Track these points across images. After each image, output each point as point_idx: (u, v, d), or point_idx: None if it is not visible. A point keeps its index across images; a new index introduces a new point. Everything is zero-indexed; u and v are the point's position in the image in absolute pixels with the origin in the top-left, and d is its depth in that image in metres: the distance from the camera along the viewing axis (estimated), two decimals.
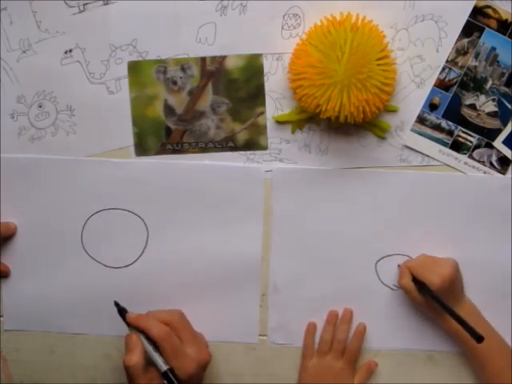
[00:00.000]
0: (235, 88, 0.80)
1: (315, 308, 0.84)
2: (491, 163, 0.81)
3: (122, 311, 0.79)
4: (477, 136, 0.80)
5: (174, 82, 0.80)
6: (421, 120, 0.80)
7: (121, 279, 0.84)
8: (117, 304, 0.80)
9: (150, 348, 0.75)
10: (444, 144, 0.81)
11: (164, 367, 0.73)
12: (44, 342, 0.86)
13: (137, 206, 0.83)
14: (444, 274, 0.77)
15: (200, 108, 0.81)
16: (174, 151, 0.82)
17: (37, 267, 0.84)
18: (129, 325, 0.77)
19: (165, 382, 0.74)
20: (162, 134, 0.82)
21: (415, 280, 0.79)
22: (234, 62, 0.80)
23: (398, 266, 0.83)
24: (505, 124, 0.80)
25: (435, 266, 0.78)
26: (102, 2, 0.79)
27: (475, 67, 0.79)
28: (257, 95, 0.80)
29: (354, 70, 0.72)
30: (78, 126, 0.82)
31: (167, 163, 0.82)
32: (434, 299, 0.76)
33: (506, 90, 0.79)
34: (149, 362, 0.75)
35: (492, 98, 0.79)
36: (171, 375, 0.73)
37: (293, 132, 0.81)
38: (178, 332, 0.76)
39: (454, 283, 0.79)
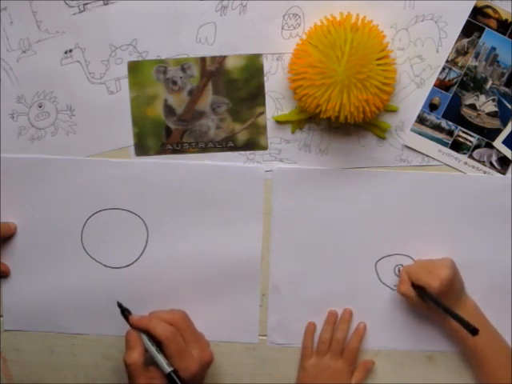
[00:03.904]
0: (235, 88, 0.80)
1: (315, 308, 0.84)
2: (491, 163, 0.81)
3: (125, 312, 0.79)
4: (477, 136, 0.80)
5: (174, 82, 0.80)
6: (421, 120, 0.80)
7: (121, 279, 0.84)
8: (120, 305, 0.79)
9: (152, 348, 0.75)
10: (444, 144, 0.81)
11: (168, 369, 0.73)
12: (44, 342, 0.86)
13: (137, 206, 0.83)
14: (442, 276, 0.77)
15: (200, 108, 0.81)
16: (174, 151, 0.82)
17: (37, 267, 0.84)
18: (132, 326, 0.77)
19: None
20: (162, 134, 0.82)
21: (414, 285, 0.79)
22: (233, 62, 0.80)
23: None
24: (505, 124, 0.80)
25: (432, 270, 0.78)
26: (101, 2, 0.79)
27: (475, 67, 0.79)
28: (257, 95, 0.80)
29: (354, 70, 0.72)
30: (78, 126, 0.82)
31: (167, 163, 0.82)
32: (428, 298, 0.76)
33: (506, 90, 0.79)
34: (149, 361, 0.75)
35: (492, 97, 0.79)
36: (175, 377, 0.73)
37: (293, 132, 0.81)
38: (181, 332, 0.76)
39: (453, 283, 0.79)
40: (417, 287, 0.78)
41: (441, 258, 0.81)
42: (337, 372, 0.83)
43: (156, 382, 0.74)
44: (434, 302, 0.76)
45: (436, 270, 0.78)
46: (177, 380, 0.73)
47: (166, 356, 0.74)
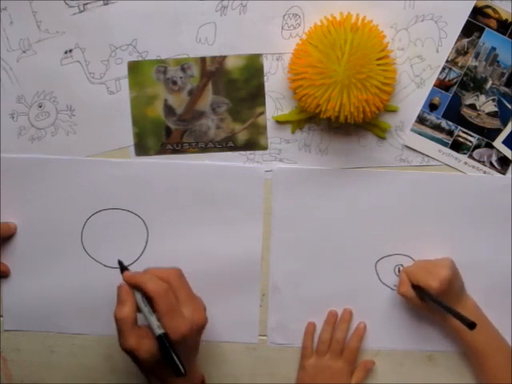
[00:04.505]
0: (235, 88, 0.80)
1: (315, 308, 0.84)
2: (491, 163, 0.81)
3: (123, 270, 0.76)
4: (477, 136, 0.80)
5: (174, 82, 0.80)
6: (421, 120, 0.80)
7: (121, 279, 0.84)
8: (120, 263, 0.77)
9: (144, 308, 0.72)
10: (444, 144, 0.81)
11: (158, 331, 0.70)
12: (44, 342, 0.86)
13: (137, 205, 0.83)
14: (441, 276, 0.77)
15: (200, 108, 0.81)
16: (174, 151, 0.82)
17: (37, 267, 0.84)
18: (125, 282, 0.74)
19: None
20: (162, 134, 0.82)
21: (414, 286, 0.79)
22: (233, 62, 0.80)
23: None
24: (505, 124, 0.80)
25: (432, 270, 0.78)
26: (101, 2, 0.79)
27: (475, 67, 0.79)
28: (257, 95, 0.80)
29: (354, 70, 0.72)
30: (78, 126, 0.82)
31: (167, 163, 0.82)
32: (427, 296, 0.76)
33: (506, 90, 0.79)
34: (141, 321, 0.73)
35: (492, 98, 0.79)
36: (165, 340, 0.70)
37: (293, 132, 0.81)
38: (174, 290, 0.73)
39: (452, 283, 0.79)
40: (416, 288, 0.78)
41: (440, 257, 0.81)
42: (337, 372, 0.83)
43: (145, 342, 0.71)
44: (432, 299, 0.76)
45: (435, 270, 0.78)
46: (166, 343, 0.69)
47: (156, 313, 0.71)
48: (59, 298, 0.85)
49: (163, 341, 0.70)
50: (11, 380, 0.87)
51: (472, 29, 0.78)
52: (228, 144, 0.82)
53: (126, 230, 0.83)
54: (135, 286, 0.73)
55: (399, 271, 0.83)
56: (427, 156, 0.81)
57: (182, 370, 0.69)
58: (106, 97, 0.81)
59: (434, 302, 0.76)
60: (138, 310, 0.73)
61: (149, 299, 0.72)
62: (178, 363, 0.69)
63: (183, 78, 0.80)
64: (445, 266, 0.79)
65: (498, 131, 0.80)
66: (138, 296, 0.72)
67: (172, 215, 0.83)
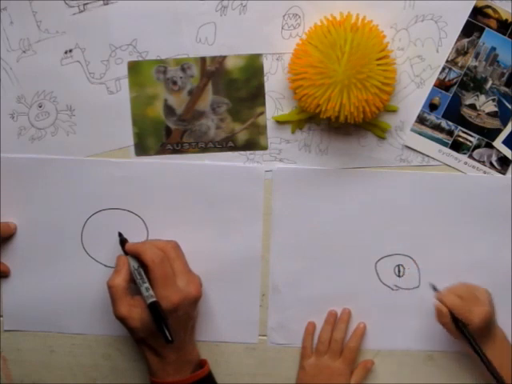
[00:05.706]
0: (235, 88, 0.80)
1: (315, 308, 0.84)
2: (491, 163, 0.81)
3: (123, 242, 0.79)
4: (477, 136, 0.80)
5: (174, 82, 0.80)
6: (421, 120, 0.80)
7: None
8: (120, 234, 0.80)
9: (137, 276, 0.74)
10: (444, 144, 0.81)
11: (149, 299, 0.72)
12: (44, 342, 0.86)
13: (137, 205, 0.83)
14: (482, 314, 0.76)
15: (200, 108, 0.81)
16: (174, 151, 0.82)
17: (37, 267, 0.84)
18: (126, 252, 0.78)
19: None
20: (162, 134, 0.82)
21: (453, 316, 0.77)
22: (233, 62, 0.80)
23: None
24: (505, 124, 0.80)
25: (473, 305, 0.77)
26: (101, 2, 0.79)
27: (475, 67, 0.79)
28: (257, 95, 0.80)
29: (354, 70, 0.72)
30: (78, 126, 0.82)
31: (167, 163, 0.82)
32: (468, 342, 0.76)
33: (506, 90, 0.79)
34: (135, 290, 0.75)
35: (492, 97, 0.79)
36: (156, 308, 0.71)
37: (293, 132, 0.81)
38: (171, 261, 0.76)
39: (491, 320, 0.78)
40: (455, 319, 0.77)
41: (478, 288, 0.80)
42: (336, 372, 0.83)
43: (137, 311, 0.73)
44: (471, 345, 0.75)
45: (477, 306, 0.77)
46: (159, 310, 0.71)
47: (150, 281, 0.73)
48: (59, 298, 0.85)
49: (153, 308, 0.71)
50: (11, 380, 0.87)
51: (472, 29, 0.78)
52: (228, 144, 0.82)
53: (126, 230, 0.83)
54: (134, 255, 0.76)
55: (399, 271, 0.83)
56: (427, 156, 0.81)
57: (169, 337, 0.70)
58: (105, 97, 0.81)
59: (471, 347, 0.75)
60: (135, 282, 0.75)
61: (145, 268, 0.74)
62: (165, 330, 0.70)
63: (183, 78, 0.80)
64: (486, 302, 0.78)
65: (498, 131, 0.80)
66: (132, 264, 0.75)
67: (172, 215, 0.83)
